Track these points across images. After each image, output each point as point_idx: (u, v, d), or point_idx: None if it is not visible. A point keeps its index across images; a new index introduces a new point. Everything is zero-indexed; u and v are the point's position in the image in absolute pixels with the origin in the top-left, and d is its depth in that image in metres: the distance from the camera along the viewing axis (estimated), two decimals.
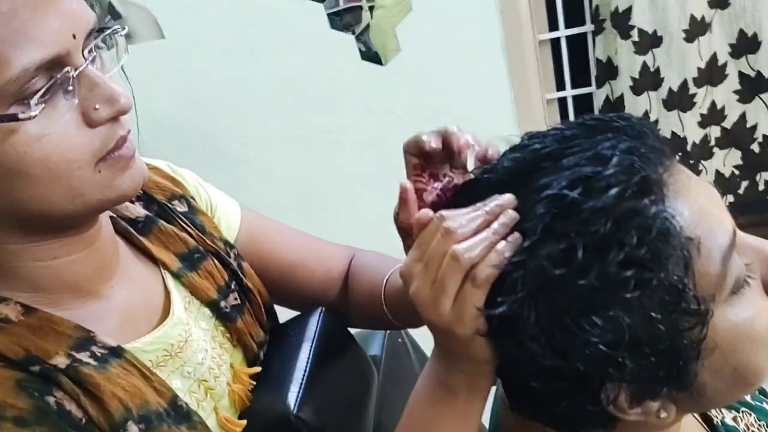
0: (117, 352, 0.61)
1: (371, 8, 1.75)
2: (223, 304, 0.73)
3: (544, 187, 0.45)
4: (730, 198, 1.83)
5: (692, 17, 1.59)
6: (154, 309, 0.68)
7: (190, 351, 0.67)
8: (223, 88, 1.86)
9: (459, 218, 0.49)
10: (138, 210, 0.72)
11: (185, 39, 1.80)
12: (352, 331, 0.95)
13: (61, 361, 0.57)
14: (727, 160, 1.78)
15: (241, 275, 0.77)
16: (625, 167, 0.44)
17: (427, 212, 0.51)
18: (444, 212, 0.50)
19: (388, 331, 1.00)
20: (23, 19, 0.49)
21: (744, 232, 1.79)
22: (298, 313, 0.88)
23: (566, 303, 0.43)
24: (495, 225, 0.47)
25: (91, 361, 0.59)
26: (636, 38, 1.64)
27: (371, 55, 1.80)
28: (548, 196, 0.44)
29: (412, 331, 1.04)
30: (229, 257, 0.76)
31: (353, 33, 1.77)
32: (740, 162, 1.78)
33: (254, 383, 0.74)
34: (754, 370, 0.49)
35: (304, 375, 0.75)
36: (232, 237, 0.81)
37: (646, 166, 0.45)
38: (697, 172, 1.78)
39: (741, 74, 1.66)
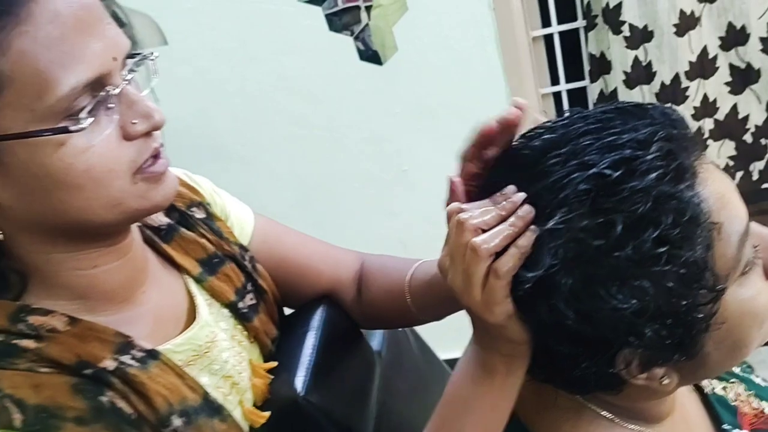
0: (153, 354, 0.65)
1: (369, 8, 1.79)
2: (240, 305, 0.77)
3: (588, 164, 0.48)
4: None
5: (681, 12, 1.63)
6: (180, 312, 0.73)
7: (217, 350, 0.72)
8: (225, 91, 1.90)
9: (471, 210, 0.52)
10: (161, 218, 0.76)
11: (187, 44, 1.84)
12: None
13: (109, 364, 0.62)
14: (721, 152, 1.81)
15: (256, 277, 0.81)
16: (664, 153, 0.48)
17: (454, 205, 0.54)
18: (460, 204, 0.54)
19: None
20: (71, 43, 0.54)
21: None
22: None
23: (599, 272, 0.47)
24: (512, 218, 0.50)
25: (133, 362, 0.63)
26: (627, 33, 1.67)
27: (370, 55, 1.83)
28: (593, 174, 0.47)
29: None
30: (245, 260, 0.81)
31: (351, 34, 1.81)
32: (734, 153, 1.81)
33: (272, 377, 0.78)
34: (748, 344, 0.54)
35: (310, 361, 0.79)
36: (246, 239, 0.85)
37: (681, 154, 0.49)
38: None
39: (731, 66, 1.70)
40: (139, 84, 0.63)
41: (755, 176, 1.83)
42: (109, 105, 0.57)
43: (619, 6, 1.65)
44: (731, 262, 0.50)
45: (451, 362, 0.69)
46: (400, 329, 1.06)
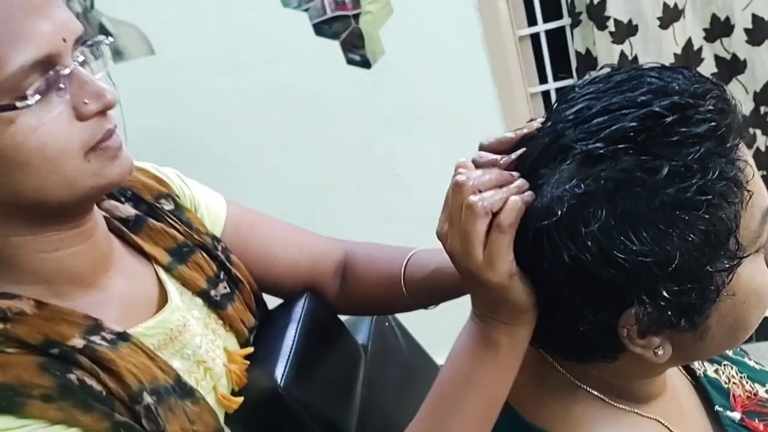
0: (124, 336, 0.66)
1: (358, 15, 1.80)
2: (213, 293, 0.78)
3: (641, 103, 0.48)
4: None
5: (665, 5, 1.63)
6: (150, 298, 0.73)
7: (188, 335, 0.72)
8: (215, 99, 1.92)
9: (469, 173, 0.53)
10: (128, 210, 0.77)
11: (175, 53, 1.86)
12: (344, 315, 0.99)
13: (77, 342, 0.63)
14: None
15: (229, 266, 0.81)
16: (718, 109, 0.48)
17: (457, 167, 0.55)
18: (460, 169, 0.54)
19: (375, 317, 1.03)
20: (19, 22, 0.55)
21: None
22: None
23: (634, 210, 0.46)
24: (508, 186, 0.52)
25: (103, 342, 0.64)
26: (612, 28, 1.68)
27: (357, 59, 1.84)
28: (647, 113, 0.47)
29: (399, 316, 1.08)
30: (217, 250, 0.81)
31: (338, 38, 1.82)
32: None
33: (248, 362, 0.79)
34: (747, 325, 0.54)
35: (290, 352, 0.79)
36: (219, 230, 0.85)
37: (731, 115, 0.49)
38: None
39: (717, 57, 1.70)
40: (93, 70, 0.64)
41: None
42: (60, 85, 0.58)
43: (603, 2, 1.65)
44: (752, 236, 0.50)
45: None
46: (387, 324, 1.06)
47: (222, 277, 0.80)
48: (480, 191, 0.51)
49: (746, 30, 1.64)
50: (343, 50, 1.83)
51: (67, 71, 0.59)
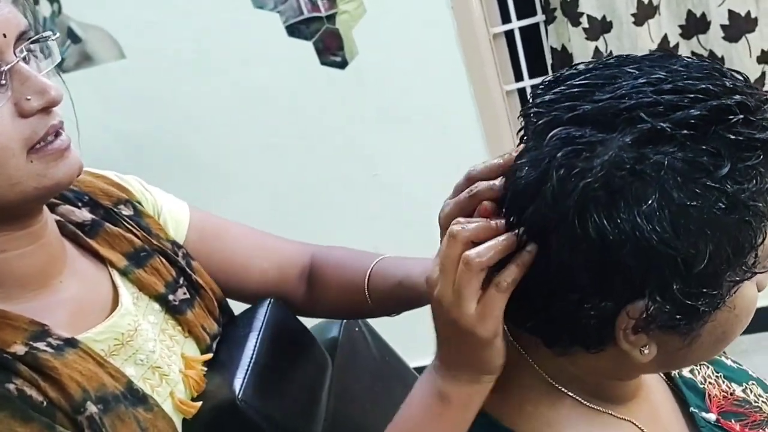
0: (71, 343, 0.64)
1: (334, 15, 1.78)
2: (171, 297, 0.77)
3: (711, 93, 0.46)
4: None
5: (639, 1, 1.62)
6: (102, 303, 0.72)
7: (141, 340, 0.71)
8: (189, 102, 1.89)
9: (464, 223, 0.52)
10: (84, 214, 0.76)
11: (146, 56, 1.83)
12: (313, 321, 0.97)
13: (19, 349, 0.61)
14: None
15: (190, 272, 0.80)
16: None
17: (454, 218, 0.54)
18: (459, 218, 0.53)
19: (345, 321, 1.01)
20: None
21: None
22: None
23: (684, 203, 0.44)
24: (504, 236, 0.50)
25: (48, 349, 0.62)
26: (586, 25, 1.66)
27: (331, 60, 1.82)
28: (717, 105, 0.45)
29: (372, 321, 1.06)
30: (177, 255, 0.80)
31: (311, 39, 1.80)
32: None
33: (206, 369, 0.77)
34: (731, 338, 0.54)
35: (250, 362, 0.77)
36: (182, 236, 0.84)
37: None
38: None
39: (694, 54, 1.69)
40: (41, 68, 0.63)
41: None
42: (1, 82, 0.58)
43: None
44: (766, 253, 0.49)
45: (420, 370, 0.67)
46: (357, 329, 1.04)
47: (182, 282, 0.79)
48: (474, 243, 0.51)
49: (723, 26, 1.63)
50: (317, 51, 1.81)
51: (7, 67, 0.58)
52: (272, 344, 0.81)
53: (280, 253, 0.90)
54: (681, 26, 1.66)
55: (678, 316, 0.48)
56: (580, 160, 0.45)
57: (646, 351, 0.51)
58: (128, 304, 0.72)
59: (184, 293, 0.78)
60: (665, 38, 1.67)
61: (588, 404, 0.59)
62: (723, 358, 0.75)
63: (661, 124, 0.44)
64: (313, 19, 1.78)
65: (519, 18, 1.81)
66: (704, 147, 0.44)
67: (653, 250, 0.44)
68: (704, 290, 0.47)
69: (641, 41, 1.67)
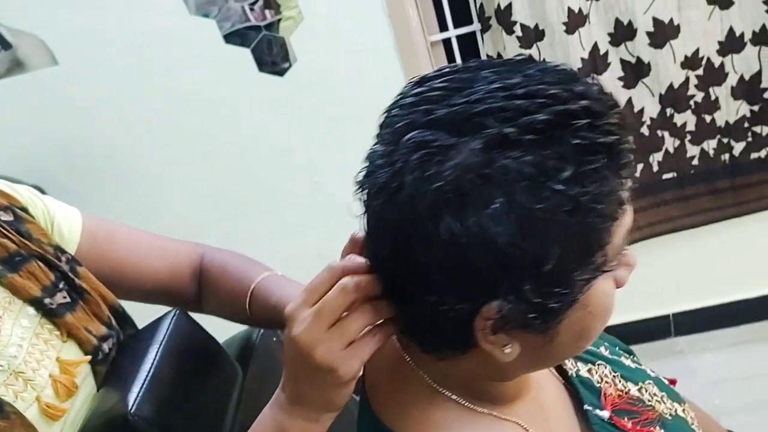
0: None
1: (277, 22, 1.77)
2: (48, 301, 0.77)
3: (555, 96, 0.47)
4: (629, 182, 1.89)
5: (569, 9, 1.65)
6: None
7: (1, 345, 0.71)
8: (125, 109, 1.86)
9: (358, 279, 0.54)
10: None
11: (79, 62, 1.80)
12: (231, 330, 0.96)
13: None
14: None
15: (73, 277, 0.81)
16: (620, 125, 0.49)
17: (344, 264, 0.56)
18: (346, 264, 0.55)
19: (262, 331, 1.01)
20: None
21: (645, 214, 1.84)
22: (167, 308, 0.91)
23: (529, 206, 0.45)
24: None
25: None
26: (519, 33, 1.69)
27: (270, 67, 1.82)
28: (563, 110, 0.46)
29: None
30: (59, 260, 0.81)
31: (249, 46, 1.79)
32: (633, 146, 1.83)
33: (80, 373, 0.78)
34: (590, 335, 0.56)
35: (147, 375, 0.77)
36: (75, 242, 0.86)
37: (626, 134, 0.49)
38: None
39: (622, 61, 1.73)
40: None
41: (655, 167, 1.86)
42: None
43: (509, 7, 1.66)
44: (615, 252, 0.51)
45: None
46: (275, 339, 1.03)
47: (62, 286, 0.80)
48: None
49: (648, 33, 1.67)
50: (256, 59, 1.80)
51: None
52: (174, 357, 0.81)
53: (172, 254, 0.92)
54: (610, 34, 1.69)
55: (532, 315, 0.49)
56: (433, 164, 0.46)
57: (507, 350, 0.52)
58: None
59: (64, 297, 0.79)
60: (596, 46, 1.70)
61: (472, 407, 0.61)
62: (623, 359, 0.77)
63: (508, 129, 0.45)
64: (252, 27, 1.77)
65: (456, 26, 1.82)
66: (549, 151, 0.45)
67: (501, 251, 0.46)
68: (555, 289, 0.48)
69: (573, 49, 1.70)
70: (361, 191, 0.52)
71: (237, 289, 0.86)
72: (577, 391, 0.69)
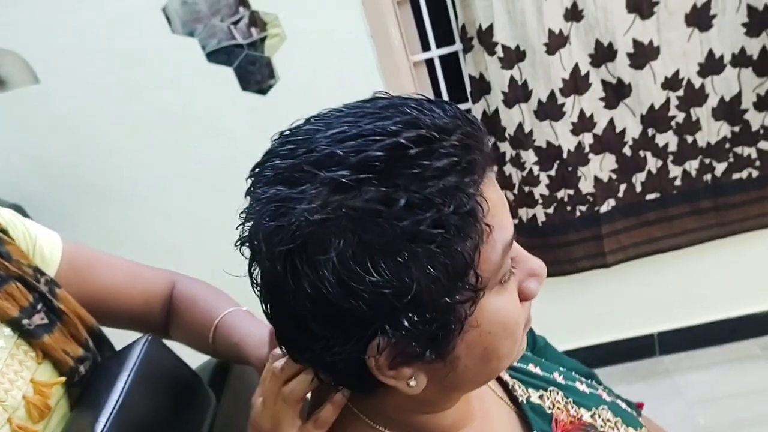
0: None
1: (262, 40, 1.78)
2: (25, 322, 0.77)
3: (389, 131, 0.47)
4: (612, 202, 1.89)
5: (550, 31, 1.66)
6: None
7: None
8: (105, 128, 1.85)
9: (279, 358, 0.63)
10: None
11: (61, 81, 1.79)
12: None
13: None
14: (603, 165, 1.85)
15: (51, 298, 0.81)
16: (463, 145, 0.48)
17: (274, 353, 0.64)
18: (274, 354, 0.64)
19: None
20: None
21: (628, 234, 1.84)
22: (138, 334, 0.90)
23: (371, 240, 0.46)
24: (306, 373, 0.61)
25: None
26: (501, 54, 1.69)
27: (252, 86, 1.81)
28: (393, 143, 0.46)
29: None
30: (38, 282, 0.81)
31: (231, 65, 1.79)
32: (615, 166, 1.85)
33: (54, 395, 0.78)
34: (498, 355, 0.54)
35: (116, 403, 0.75)
36: (55, 266, 0.86)
37: (476, 152, 0.49)
38: (577, 179, 1.85)
39: (603, 82, 1.74)
40: None
41: (638, 188, 1.87)
42: None
43: (491, 27, 1.67)
44: (493, 267, 0.50)
45: None
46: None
47: (40, 308, 0.79)
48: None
49: (629, 54, 1.68)
50: (239, 77, 1.80)
51: None
52: (144, 383, 0.79)
53: (147, 283, 0.93)
54: (590, 55, 1.70)
55: (420, 346, 0.49)
56: (277, 218, 0.47)
57: (413, 383, 0.52)
58: None
59: (42, 318, 0.79)
60: (576, 67, 1.71)
61: None
62: (576, 384, 0.77)
63: (341, 172, 0.46)
64: (235, 45, 1.78)
65: (438, 46, 1.83)
66: (385, 186, 0.46)
67: (360, 290, 0.46)
68: (431, 316, 0.48)
69: (554, 71, 1.71)
70: (241, 248, 0.53)
71: (202, 322, 0.87)
72: (527, 417, 0.69)
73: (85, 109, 1.83)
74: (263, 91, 1.83)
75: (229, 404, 0.92)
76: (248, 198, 0.52)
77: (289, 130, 0.53)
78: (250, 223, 0.50)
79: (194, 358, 0.95)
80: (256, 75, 1.81)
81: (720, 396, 1.94)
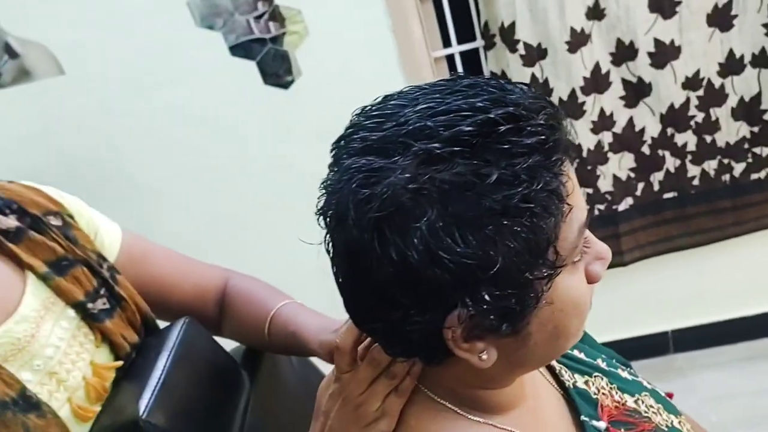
0: None
1: (282, 35, 1.79)
2: (90, 306, 0.80)
3: (478, 108, 0.48)
4: (629, 200, 1.90)
5: (572, 29, 1.68)
6: (8, 307, 0.74)
7: (38, 346, 0.73)
8: (128, 121, 1.87)
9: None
10: (9, 222, 0.78)
11: (86, 73, 1.81)
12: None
13: None
14: (621, 164, 1.86)
15: (113, 284, 0.84)
16: (549, 125, 0.50)
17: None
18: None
19: None
20: None
21: (646, 233, 1.85)
22: None
23: (460, 214, 0.47)
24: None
25: None
26: (523, 51, 1.71)
27: (275, 81, 1.83)
28: (483, 119, 0.48)
29: None
30: (102, 267, 0.84)
31: (255, 59, 1.80)
32: (634, 164, 1.86)
33: (113, 376, 0.80)
34: (567, 333, 0.56)
35: (158, 382, 0.77)
36: (114, 255, 0.89)
37: (560, 132, 0.51)
38: (595, 178, 1.86)
39: (624, 81, 1.75)
40: None
41: (656, 187, 1.88)
42: None
43: (513, 25, 1.68)
44: (570, 246, 0.52)
45: None
46: None
47: (103, 292, 0.82)
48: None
49: (649, 53, 1.69)
50: (262, 72, 1.82)
51: None
52: (183, 364, 0.81)
53: (200, 277, 0.95)
54: (611, 53, 1.71)
55: (497, 319, 0.51)
56: (368, 187, 0.48)
57: (484, 356, 0.54)
58: (26, 311, 0.74)
59: (104, 303, 0.82)
60: (597, 65, 1.72)
61: (468, 416, 0.61)
62: (620, 371, 0.78)
63: (433, 145, 0.48)
64: (258, 39, 1.79)
65: (459, 43, 1.85)
66: (476, 160, 0.47)
67: (447, 261, 0.47)
68: (511, 291, 0.49)
69: (575, 68, 1.72)
70: (319, 218, 0.54)
71: (257, 314, 0.88)
72: (575, 402, 0.70)
73: (108, 101, 1.84)
74: (285, 85, 1.84)
75: (262, 388, 0.94)
76: (331, 166, 0.54)
77: (371, 105, 0.55)
78: (336, 194, 0.51)
79: (227, 343, 0.97)
80: (277, 69, 1.83)
81: (733, 394, 1.95)
